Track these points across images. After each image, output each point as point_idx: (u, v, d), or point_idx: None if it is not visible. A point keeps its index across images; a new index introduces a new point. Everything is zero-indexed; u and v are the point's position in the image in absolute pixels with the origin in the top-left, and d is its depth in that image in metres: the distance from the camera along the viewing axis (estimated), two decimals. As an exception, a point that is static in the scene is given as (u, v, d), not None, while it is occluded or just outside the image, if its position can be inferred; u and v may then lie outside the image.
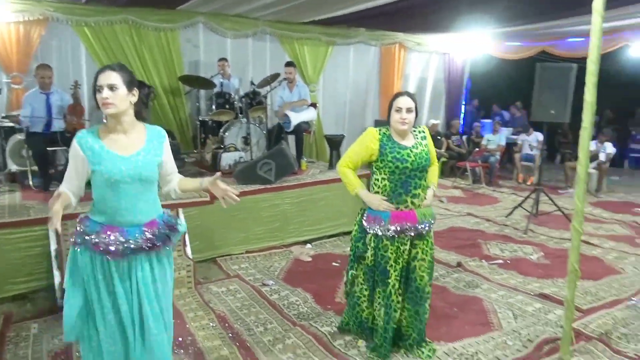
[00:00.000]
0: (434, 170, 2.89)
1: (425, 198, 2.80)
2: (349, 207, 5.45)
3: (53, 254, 3.68)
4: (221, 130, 5.99)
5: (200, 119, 6.46)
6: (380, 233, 2.74)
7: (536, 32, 8.28)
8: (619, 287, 3.98)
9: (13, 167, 5.22)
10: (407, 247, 2.76)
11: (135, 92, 2.09)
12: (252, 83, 6.31)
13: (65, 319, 2.12)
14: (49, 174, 4.85)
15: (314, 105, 6.44)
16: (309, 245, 5.07)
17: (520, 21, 7.55)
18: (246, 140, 5.93)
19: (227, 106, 6.21)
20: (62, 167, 5.03)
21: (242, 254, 4.70)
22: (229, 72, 6.78)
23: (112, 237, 2.06)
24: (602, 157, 8.30)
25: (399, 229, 2.70)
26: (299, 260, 4.69)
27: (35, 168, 4.94)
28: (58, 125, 4.90)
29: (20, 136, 5.10)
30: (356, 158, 2.83)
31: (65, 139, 4.77)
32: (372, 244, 2.80)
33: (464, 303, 3.66)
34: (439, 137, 9.13)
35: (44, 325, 3.33)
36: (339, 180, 5.35)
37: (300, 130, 5.96)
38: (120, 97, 2.02)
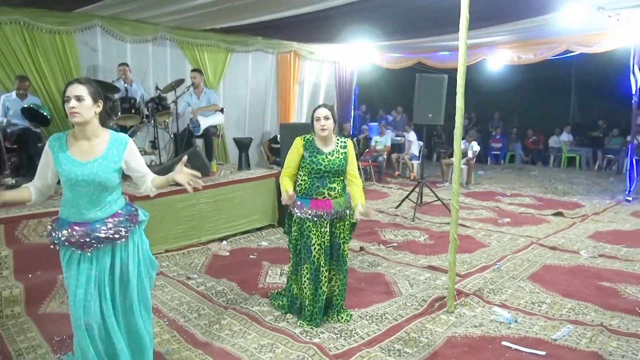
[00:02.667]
0: (358, 191, 3.33)
1: (339, 192, 3.35)
2: (259, 205, 5.90)
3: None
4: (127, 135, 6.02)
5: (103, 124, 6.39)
6: (302, 216, 3.25)
7: (413, 45, 9.41)
8: (487, 256, 4.92)
9: None
10: (327, 229, 3.29)
11: (100, 103, 2.34)
12: (157, 88, 6.41)
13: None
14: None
15: (221, 110, 6.72)
16: (224, 242, 5.39)
17: (398, 36, 8.57)
18: (154, 144, 6.05)
19: (132, 111, 6.25)
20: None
21: (161, 253, 4.86)
22: (130, 77, 6.77)
23: (78, 232, 2.30)
24: (469, 154, 9.66)
25: (316, 213, 3.24)
26: (217, 255, 5.00)
27: None
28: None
29: None
30: (292, 165, 3.33)
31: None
32: (297, 226, 3.32)
33: (370, 278, 4.30)
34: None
35: None
36: (250, 180, 5.82)
37: (210, 134, 6.23)
38: (85, 107, 2.27)
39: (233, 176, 5.82)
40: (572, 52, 8.08)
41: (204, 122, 6.17)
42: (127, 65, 6.79)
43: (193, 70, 6.57)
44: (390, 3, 5.97)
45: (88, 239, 2.31)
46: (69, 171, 2.29)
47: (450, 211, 6.75)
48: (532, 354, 2.93)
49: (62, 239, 2.33)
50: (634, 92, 7.44)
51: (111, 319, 2.41)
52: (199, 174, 2.42)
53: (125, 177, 2.50)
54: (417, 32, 8.06)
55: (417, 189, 7.27)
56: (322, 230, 3.28)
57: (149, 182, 2.51)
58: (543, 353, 2.92)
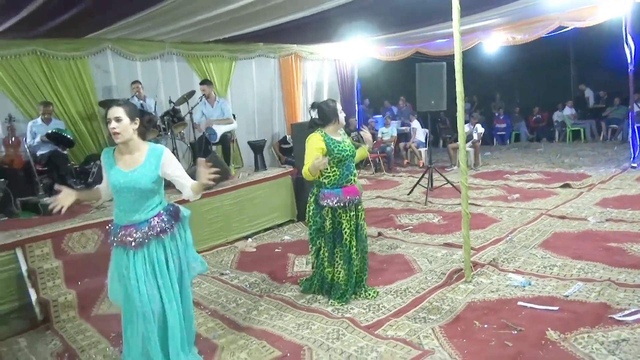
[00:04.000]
0: (357, 151, 3.83)
1: (356, 175, 3.67)
2: (279, 202, 6.21)
3: (25, 274, 3.94)
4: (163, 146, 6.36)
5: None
6: (335, 205, 3.54)
7: (409, 36, 9.66)
8: (499, 230, 5.18)
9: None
10: (354, 212, 3.60)
11: (137, 121, 2.66)
12: (170, 101, 6.75)
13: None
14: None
15: (233, 116, 7.04)
16: (250, 240, 5.70)
17: (394, 29, 8.84)
18: (175, 154, 6.37)
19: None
20: (1, 198, 5.15)
21: (192, 254, 5.18)
22: (143, 93, 7.10)
23: (126, 232, 2.65)
24: (475, 136, 9.90)
25: (349, 199, 3.55)
26: (244, 252, 5.31)
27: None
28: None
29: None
30: (315, 157, 3.57)
31: (2, 171, 4.93)
32: (330, 215, 3.60)
33: (390, 260, 4.58)
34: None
35: (30, 338, 3.62)
36: (268, 179, 6.11)
37: (227, 139, 6.56)
38: (124, 127, 2.60)
39: (251, 177, 6.13)
40: (566, 27, 8.29)
41: (220, 130, 6.49)
42: (139, 82, 7.12)
43: (202, 83, 6.90)
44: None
45: (136, 238, 2.65)
46: (114, 180, 2.65)
47: (460, 192, 7.05)
48: (546, 310, 3.20)
49: (117, 240, 2.67)
50: (629, 61, 7.63)
51: (171, 301, 2.72)
52: (217, 169, 2.74)
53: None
54: (413, 23, 8.32)
55: (426, 175, 7.54)
56: (351, 214, 3.60)
57: (188, 187, 2.81)
58: (556, 308, 3.19)
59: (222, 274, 4.62)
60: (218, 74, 8.53)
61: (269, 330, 3.32)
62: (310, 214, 3.71)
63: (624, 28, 7.47)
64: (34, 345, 3.49)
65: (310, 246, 3.78)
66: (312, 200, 3.69)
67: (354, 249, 3.64)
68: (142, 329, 2.73)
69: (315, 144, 3.54)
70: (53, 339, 3.57)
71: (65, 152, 5.97)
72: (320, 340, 3.08)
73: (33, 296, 3.88)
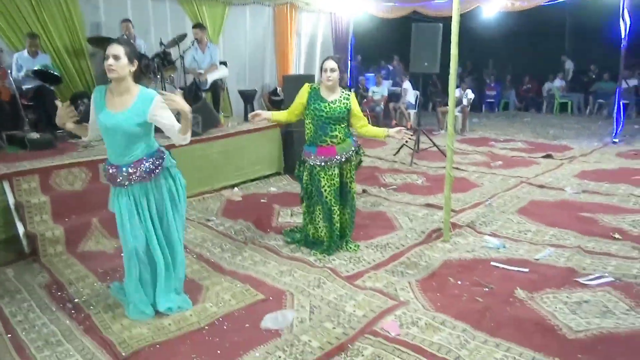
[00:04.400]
0: (373, 128, 3.83)
1: (341, 138, 3.68)
2: (266, 154, 6.25)
3: (12, 207, 3.97)
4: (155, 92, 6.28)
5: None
6: (311, 162, 3.62)
7: (408, -6, 9.49)
8: (480, 195, 5.34)
9: None
10: (335, 171, 3.66)
11: (135, 63, 2.65)
12: (161, 43, 6.59)
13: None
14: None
15: (224, 63, 6.94)
16: (236, 189, 5.77)
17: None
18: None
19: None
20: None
21: (179, 199, 5.25)
22: (133, 33, 6.92)
23: (112, 172, 2.71)
24: (464, 102, 9.94)
25: (323, 159, 3.62)
26: (230, 200, 5.39)
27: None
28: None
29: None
30: (294, 105, 3.68)
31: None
32: (307, 171, 3.68)
33: (373, 216, 4.72)
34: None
35: (17, 269, 3.70)
36: (256, 130, 6.13)
37: (217, 87, 6.49)
38: (121, 66, 2.59)
39: (240, 127, 6.14)
40: (565, -3, 8.22)
41: (211, 77, 6.41)
42: (129, 21, 6.91)
43: (195, 27, 6.74)
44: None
45: (119, 179, 2.71)
46: (102, 120, 2.67)
47: (445, 156, 7.17)
48: (517, 271, 3.38)
49: (105, 176, 2.75)
50: (623, 36, 7.66)
51: (153, 244, 2.82)
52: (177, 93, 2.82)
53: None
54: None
55: (414, 136, 7.61)
56: (330, 173, 3.65)
57: (176, 132, 2.80)
58: (526, 270, 3.38)
59: (208, 220, 4.71)
60: (211, 19, 8.29)
61: (252, 275, 3.45)
62: (297, 165, 3.86)
63: (621, 2, 7.44)
64: (22, 276, 3.58)
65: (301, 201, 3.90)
66: (300, 156, 3.80)
67: (334, 207, 3.71)
68: (131, 264, 2.84)
69: (300, 93, 3.65)
70: (41, 271, 3.66)
71: (52, 88, 5.85)
72: (302, 287, 3.23)
73: (20, 229, 3.94)
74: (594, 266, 3.41)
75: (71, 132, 2.87)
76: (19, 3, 6.15)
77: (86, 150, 4.90)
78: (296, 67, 10.16)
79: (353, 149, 3.78)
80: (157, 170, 2.84)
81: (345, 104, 3.65)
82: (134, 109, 2.66)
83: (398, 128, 3.66)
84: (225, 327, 2.79)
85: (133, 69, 2.65)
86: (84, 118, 5.62)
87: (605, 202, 4.94)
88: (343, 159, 3.70)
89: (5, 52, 5.56)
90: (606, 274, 3.24)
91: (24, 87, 5.68)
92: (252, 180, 6.07)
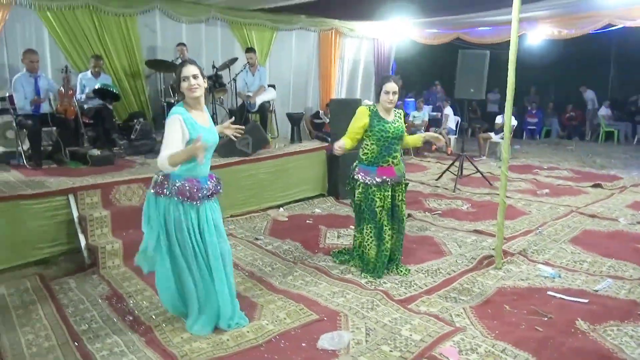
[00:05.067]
0: (411, 137, 3.94)
1: (399, 160, 3.74)
2: (311, 176, 6.35)
3: (76, 220, 4.16)
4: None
5: (166, 100, 6.86)
6: (368, 182, 3.66)
7: (451, 21, 9.55)
8: (529, 222, 5.25)
9: (-1, 148, 5.45)
10: (389, 192, 3.70)
11: (206, 81, 2.80)
12: (213, 66, 6.87)
13: (140, 253, 2.91)
14: (41, 152, 5.18)
15: (272, 86, 7.14)
16: (282, 209, 5.87)
17: (437, 13, 8.76)
18: (213, 119, 6.52)
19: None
20: (52, 146, 5.39)
21: (227, 217, 5.37)
22: (187, 56, 7.23)
23: (193, 186, 2.79)
24: (507, 128, 9.83)
25: (383, 179, 3.65)
26: (276, 220, 5.48)
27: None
28: (46, 107, 5.23)
29: (5, 118, 5.33)
30: (354, 130, 3.69)
31: (56, 120, 5.15)
32: (361, 190, 3.72)
33: (420, 241, 4.70)
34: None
35: (79, 280, 3.85)
36: (303, 152, 6.24)
37: (265, 109, 6.68)
38: (201, 84, 2.76)
39: (287, 149, 6.26)
40: (614, 25, 8.12)
41: (259, 99, 6.60)
42: (184, 45, 7.25)
43: (248, 51, 7.00)
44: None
45: (202, 193, 2.80)
46: (205, 137, 2.68)
47: (489, 183, 7.10)
48: (575, 301, 3.30)
49: (174, 191, 2.79)
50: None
51: (218, 260, 2.90)
52: (242, 127, 3.05)
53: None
54: (457, 8, 8.23)
55: (457, 162, 7.58)
56: (385, 194, 3.69)
57: None
58: (586, 300, 3.29)
59: (257, 239, 4.79)
60: (259, 43, 8.58)
61: (305, 295, 3.48)
62: (349, 188, 3.87)
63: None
64: (83, 287, 3.73)
65: (355, 220, 3.96)
66: (353, 174, 3.81)
67: (386, 227, 3.74)
68: (192, 282, 2.91)
69: (359, 116, 3.68)
70: (100, 283, 3.80)
71: (110, 107, 6.15)
72: (356, 308, 3.24)
73: (82, 241, 4.12)
74: (658, 300, 3.30)
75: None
76: (83, 26, 6.57)
77: (142, 167, 5.10)
78: (338, 92, 10.32)
79: (404, 172, 3.83)
80: (221, 185, 2.98)
81: (401, 123, 3.74)
82: (212, 122, 2.90)
83: (432, 132, 3.76)
84: (282, 345, 2.83)
85: (206, 85, 2.82)
86: (139, 136, 5.89)
87: (662, 234, 4.78)
88: (399, 180, 3.75)
89: (71, 72, 5.89)
90: (672, 309, 3.13)
91: (86, 106, 5.99)
92: (297, 201, 6.15)
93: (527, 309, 3.20)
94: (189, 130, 2.71)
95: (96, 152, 5.24)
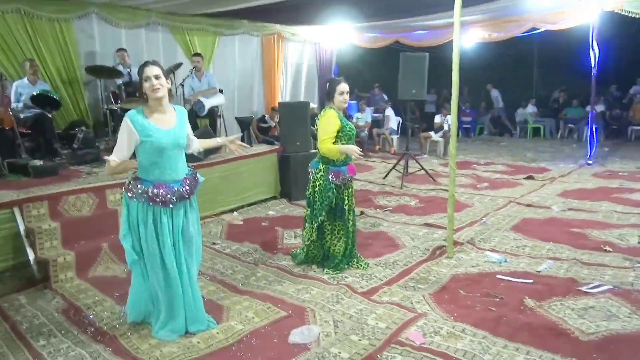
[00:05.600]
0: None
1: None
2: (264, 179, 6.38)
3: (23, 233, 3.96)
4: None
5: (108, 108, 6.65)
6: (340, 182, 3.79)
7: (390, 26, 9.92)
8: (473, 214, 5.58)
9: None
10: (350, 189, 3.87)
11: (169, 81, 2.79)
12: (158, 72, 6.73)
13: (127, 254, 2.82)
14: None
15: (220, 91, 7.11)
16: (235, 213, 5.86)
17: (376, 17, 9.08)
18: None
19: (137, 94, 6.56)
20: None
21: (181, 224, 5.30)
22: (129, 62, 7.06)
23: (161, 191, 2.77)
24: (445, 127, 10.34)
25: (349, 177, 3.81)
26: (232, 224, 5.47)
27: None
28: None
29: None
30: (333, 134, 3.72)
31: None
32: (334, 191, 3.82)
33: (375, 236, 4.88)
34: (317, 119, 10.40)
35: (30, 296, 3.68)
36: (255, 155, 6.25)
37: (214, 114, 6.64)
38: (163, 84, 2.74)
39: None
40: (538, 29, 8.78)
41: (207, 103, 6.56)
42: (125, 50, 7.08)
43: (196, 55, 6.95)
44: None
45: (169, 197, 2.79)
46: (159, 139, 2.72)
47: (433, 179, 7.44)
48: (522, 282, 3.58)
49: (144, 196, 2.78)
50: (593, 65, 8.19)
51: (182, 266, 2.90)
52: (249, 146, 2.95)
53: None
54: (395, 13, 8.58)
55: (402, 160, 7.89)
56: (349, 191, 3.85)
57: (197, 143, 3.07)
58: (531, 281, 3.58)
59: (214, 244, 4.77)
60: (202, 48, 8.49)
61: (270, 294, 3.53)
62: (317, 189, 3.82)
63: (590, 34, 7.99)
64: (35, 302, 3.56)
65: (310, 220, 3.94)
66: (318, 176, 3.81)
67: (350, 223, 3.90)
68: (161, 286, 2.89)
69: (332, 121, 3.71)
70: (54, 297, 3.65)
71: (50, 115, 5.87)
72: (322, 303, 3.34)
73: (31, 255, 3.93)
74: (592, 276, 3.64)
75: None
76: (15, 32, 6.24)
77: (90, 177, 4.93)
78: (283, 95, 10.41)
79: None
80: (197, 186, 2.97)
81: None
82: (180, 123, 2.85)
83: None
84: (253, 343, 2.87)
85: (169, 86, 2.80)
86: (82, 145, 5.68)
87: (590, 218, 5.24)
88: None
89: (6, 80, 5.58)
90: (604, 283, 3.47)
91: (22, 115, 5.69)
92: (251, 205, 6.17)
93: (480, 292, 3.43)
94: (138, 132, 2.71)
95: (38, 162, 5.00)
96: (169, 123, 2.81)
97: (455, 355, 2.62)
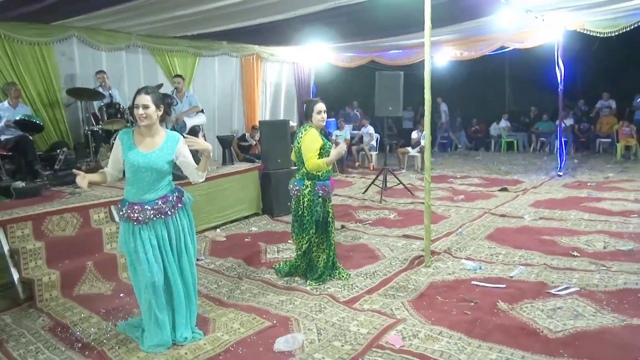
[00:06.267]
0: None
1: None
2: (245, 196, 6.50)
3: (7, 254, 4.00)
4: (112, 138, 6.44)
5: (89, 129, 6.69)
6: (326, 196, 3.96)
7: (366, 45, 10.25)
8: (449, 225, 5.78)
9: None
10: (331, 202, 4.01)
11: (162, 108, 2.93)
12: (139, 93, 6.83)
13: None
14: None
15: (201, 110, 7.24)
16: (218, 230, 5.95)
17: (352, 38, 9.39)
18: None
19: (118, 115, 6.66)
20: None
21: (165, 242, 5.36)
22: (108, 83, 7.15)
23: (135, 209, 2.90)
24: (422, 142, 10.61)
25: (332, 190, 3.99)
26: (215, 241, 5.56)
27: None
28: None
29: None
30: (318, 151, 3.84)
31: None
32: (314, 206, 3.95)
33: (355, 248, 5.02)
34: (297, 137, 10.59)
35: (14, 316, 3.69)
36: (237, 173, 6.37)
37: (196, 132, 6.75)
38: (150, 113, 2.87)
39: (220, 170, 6.37)
40: (507, 47, 9.19)
41: (190, 122, 6.68)
42: (104, 72, 7.16)
43: (176, 76, 7.08)
44: (345, 12, 6.69)
45: (144, 215, 2.91)
46: (132, 159, 2.88)
47: (411, 193, 7.64)
48: (495, 287, 3.76)
49: (124, 215, 2.92)
50: (559, 81, 8.60)
51: (174, 276, 3.01)
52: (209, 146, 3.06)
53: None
54: (370, 34, 8.89)
55: (381, 176, 8.10)
56: (329, 203, 4.00)
57: (195, 169, 3.11)
58: (503, 286, 3.76)
59: (198, 260, 4.84)
60: (182, 69, 8.64)
61: (254, 306, 3.63)
62: (306, 205, 3.92)
63: (556, 52, 8.41)
64: (21, 321, 3.59)
65: (299, 234, 4.04)
66: (306, 192, 3.92)
67: (332, 235, 4.06)
68: (149, 298, 2.98)
69: (315, 139, 3.84)
70: (40, 315, 3.68)
71: (31, 137, 5.91)
72: (305, 312, 3.45)
73: (15, 275, 3.96)
74: (561, 279, 3.85)
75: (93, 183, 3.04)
76: (-6, 54, 6.28)
77: (73, 197, 4.98)
78: (263, 114, 10.58)
79: None
80: (179, 205, 3.08)
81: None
82: (164, 148, 2.94)
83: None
84: (240, 352, 2.96)
85: (160, 113, 2.93)
86: (64, 166, 5.73)
87: (560, 226, 5.49)
88: None
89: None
90: (572, 285, 3.67)
91: (3, 137, 5.73)
92: (233, 222, 6.26)
93: (456, 298, 3.60)
94: (122, 151, 2.91)
95: (20, 184, 5.03)
96: (151, 146, 2.93)
97: (432, 355, 2.76)
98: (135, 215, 2.93)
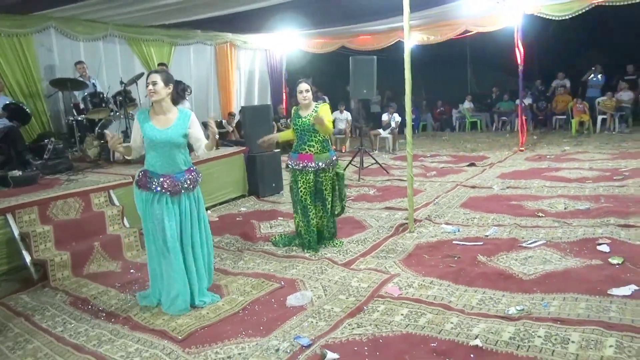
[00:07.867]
0: (327, 124, 4.32)
1: (319, 149, 4.36)
2: (233, 178, 6.77)
3: (18, 238, 4.18)
4: (98, 127, 6.58)
5: (73, 119, 6.79)
6: (292, 167, 4.33)
7: (337, 31, 10.58)
8: (426, 197, 6.25)
9: None
10: (312, 177, 4.32)
11: (171, 86, 3.20)
12: (121, 82, 6.97)
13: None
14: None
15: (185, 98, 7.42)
16: (209, 211, 6.21)
17: (323, 25, 9.69)
18: (127, 134, 6.64)
19: (102, 105, 6.78)
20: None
21: (161, 224, 5.60)
22: (88, 74, 7.24)
23: (169, 181, 3.18)
24: (393, 124, 11.09)
25: (303, 165, 4.30)
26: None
27: None
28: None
29: None
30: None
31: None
32: (291, 174, 4.37)
33: (343, 220, 5.35)
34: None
35: (32, 295, 3.91)
36: (224, 156, 6.63)
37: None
38: (158, 89, 3.14)
39: (205, 155, 6.60)
40: (470, 31, 9.71)
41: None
42: (83, 62, 7.24)
43: (160, 64, 7.20)
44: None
45: (176, 187, 3.20)
46: (150, 135, 3.16)
47: (386, 171, 8.08)
48: (474, 245, 4.24)
49: (156, 186, 3.20)
50: (519, 63, 9.20)
51: (196, 244, 3.32)
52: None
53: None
54: (341, 20, 9.22)
55: (357, 157, 8.51)
56: (307, 177, 4.31)
57: (203, 146, 3.42)
58: (481, 243, 4.25)
59: (197, 238, 5.13)
60: (158, 58, 8.76)
61: (260, 272, 3.98)
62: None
63: (515, 35, 8.98)
64: (40, 299, 3.80)
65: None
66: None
67: (310, 206, 4.35)
68: (167, 263, 3.28)
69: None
70: (57, 293, 3.90)
71: (18, 128, 5.99)
72: (308, 274, 3.83)
73: (27, 258, 4.15)
74: (529, 235, 4.36)
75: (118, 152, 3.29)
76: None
77: (71, 183, 5.15)
78: (238, 100, 10.80)
79: (329, 161, 4.44)
80: (199, 179, 3.39)
81: (308, 118, 4.27)
82: (178, 124, 3.24)
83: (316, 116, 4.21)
84: (257, 309, 3.31)
85: (169, 91, 3.21)
86: (52, 156, 5.86)
87: (525, 193, 6.05)
88: (318, 167, 4.36)
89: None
90: (539, 239, 4.19)
91: (-10, 128, 5.79)
92: (222, 203, 6.54)
93: (441, 255, 4.05)
94: (141, 127, 3.21)
95: (17, 173, 5.16)
96: (166, 123, 3.22)
97: (427, 299, 3.19)
98: (171, 186, 3.22)
